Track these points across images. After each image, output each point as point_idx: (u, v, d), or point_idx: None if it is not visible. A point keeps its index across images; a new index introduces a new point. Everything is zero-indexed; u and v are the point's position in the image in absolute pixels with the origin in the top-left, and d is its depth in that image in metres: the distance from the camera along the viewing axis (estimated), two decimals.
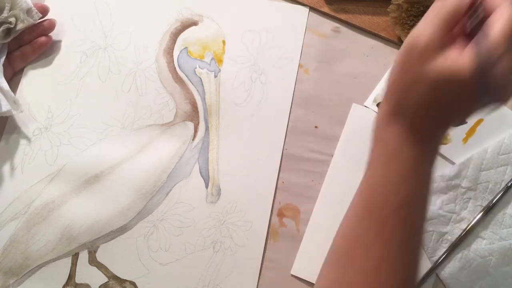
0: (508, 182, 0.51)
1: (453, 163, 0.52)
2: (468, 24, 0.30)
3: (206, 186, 0.51)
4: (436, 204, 0.50)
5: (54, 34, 0.55)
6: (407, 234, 0.34)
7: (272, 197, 0.51)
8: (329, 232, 0.51)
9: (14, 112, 0.50)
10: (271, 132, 0.53)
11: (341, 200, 0.51)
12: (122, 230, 0.50)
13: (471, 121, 0.53)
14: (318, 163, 0.52)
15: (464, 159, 0.52)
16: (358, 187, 0.38)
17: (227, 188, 0.51)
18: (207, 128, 0.53)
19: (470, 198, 0.51)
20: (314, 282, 0.49)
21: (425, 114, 0.33)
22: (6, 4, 0.50)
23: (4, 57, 0.52)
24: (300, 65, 0.56)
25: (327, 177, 0.52)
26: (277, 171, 0.52)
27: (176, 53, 0.56)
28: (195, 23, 0.57)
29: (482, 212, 0.50)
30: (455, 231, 0.50)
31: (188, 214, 0.51)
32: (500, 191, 0.51)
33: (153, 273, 0.49)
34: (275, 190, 0.52)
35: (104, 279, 0.49)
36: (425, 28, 0.30)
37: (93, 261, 0.49)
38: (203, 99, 0.54)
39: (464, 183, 0.51)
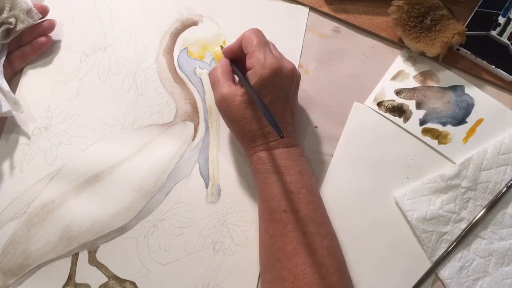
0: (508, 182, 0.51)
1: (453, 163, 0.52)
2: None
3: (206, 186, 0.51)
4: (436, 204, 0.50)
5: (54, 34, 0.55)
6: (307, 220, 0.44)
7: None
8: None
9: (14, 113, 0.50)
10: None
11: (341, 199, 0.51)
12: (122, 230, 0.50)
13: (471, 121, 0.53)
14: (318, 163, 0.52)
15: (464, 159, 0.52)
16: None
17: (227, 188, 0.51)
18: (207, 128, 0.53)
19: (470, 198, 0.51)
20: None
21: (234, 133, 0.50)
22: (6, 5, 0.50)
23: (4, 58, 0.52)
24: (300, 65, 0.56)
25: (327, 177, 0.52)
26: None
27: (176, 53, 0.56)
28: (195, 23, 0.57)
29: (482, 212, 0.50)
30: (455, 231, 0.50)
31: (188, 214, 0.51)
32: (500, 191, 0.51)
33: (153, 273, 0.49)
34: None
35: (104, 279, 0.49)
36: (222, 86, 0.47)
37: (93, 261, 0.49)
38: (203, 99, 0.54)
39: (464, 183, 0.51)
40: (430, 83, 0.55)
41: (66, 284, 0.48)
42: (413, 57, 0.56)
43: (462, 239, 0.50)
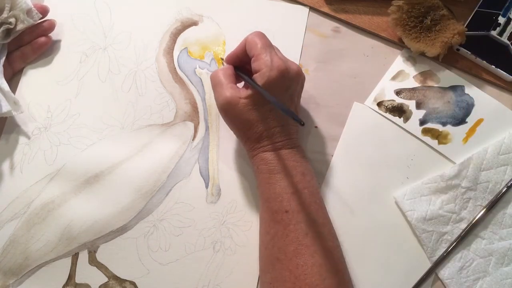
0: (508, 182, 0.51)
1: (453, 163, 0.52)
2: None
3: (206, 186, 0.51)
4: (436, 204, 0.50)
5: (54, 34, 0.55)
6: (309, 221, 0.44)
7: None
8: None
9: (14, 113, 0.50)
10: None
11: (341, 199, 0.51)
12: (122, 230, 0.50)
13: (471, 121, 0.53)
14: (318, 163, 0.52)
15: (464, 159, 0.52)
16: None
17: (227, 188, 0.51)
18: (207, 128, 0.53)
19: (470, 198, 0.51)
20: None
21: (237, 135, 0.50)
22: (6, 5, 0.50)
23: (4, 58, 0.52)
24: (300, 65, 0.56)
25: (328, 177, 0.52)
26: None
27: (176, 53, 0.56)
28: (195, 23, 0.57)
29: (482, 212, 0.50)
30: (455, 231, 0.50)
31: (188, 214, 0.51)
32: (500, 191, 0.51)
33: (153, 273, 0.49)
34: None
35: (104, 279, 0.49)
36: (225, 88, 0.46)
37: (93, 261, 0.49)
38: (203, 99, 0.54)
39: (464, 183, 0.51)
40: (430, 83, 0.55)
41: (66, 284, 0.48)
42: (413, 57, 0.56)
43: (462, 239, 0.50)
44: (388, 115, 0.54)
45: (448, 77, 0.55)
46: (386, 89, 0.55)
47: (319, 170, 0.52)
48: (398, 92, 0.55)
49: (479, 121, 0.53)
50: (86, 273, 0.49)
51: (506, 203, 0.51)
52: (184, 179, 0.51)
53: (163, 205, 0.51)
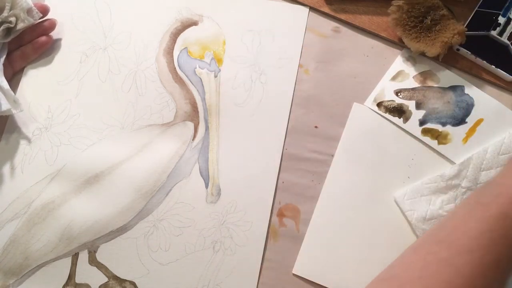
0: None
1: (453, 163, 0.52)
2: None
3: (206, 186, 0.51)
4: (436, 204, 0.50)
5: (54, 34, 0.55)
6: None
7: (272, 197, 0.51)
8: (330, 232, 0.51)
9: (14, 112, 0.50)
10: (271, 132, 0.53)
11: (342, 199, 0.51)
12: (122, 230, 0.50)
13: (471, 121, 0.53)
14: (318, 163, 0.52)
15: (464, 159, 0.52)
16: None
17: (227, 188, 0.51)
18: (207, 128, 0.53)
19: None
20: (315, 281, 0.49)
21: None
22: (7, 4, 0.50)
23: (4, 57, 0.52)
24: (300, 65, 0.56)
25: (328, 177, 0.52)
26: (277, 171, 0.52)
27: (176, 53, 0.56)
28: (195, 23, 0.57)
29: None
30: None
31: (188, 214, 0.51)
32: None
33: (153, 273, 0.49)
34: (275, 190, 0.52)
35: (104, 279, 0.49)
36: None
37: (93, 261, 0.49)
38: (203, 99, 0.54)
39: (464, 183, 0.51)
40: (430, 83, 0.55)
41: (66, 284, 0.49)
42: (413, 57, 0.56)
43: None
44: (388, 115, 0.54)
45: (448, 77, 0.55)
46: (386, 89, 0.55)
47: (319, 170, 0.52)
48: (398, 92, 0.54)
49: (479, 121, 0.53)
50: (86, 273, 0.49)
51: None
52: (184, 179, 0.51)
53: (163, 205, 0.51)
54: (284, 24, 0.57)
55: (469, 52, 0.54)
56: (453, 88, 0.55)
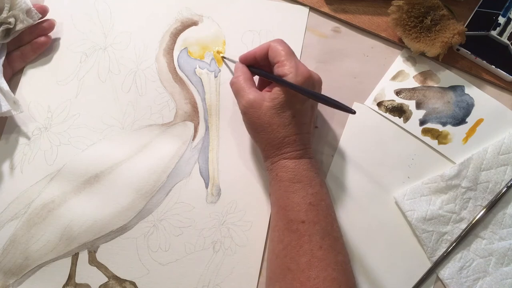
0: (508, 182, 0.51)
1: (453, 163, 0.52)
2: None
3: (206, 186, 0.51)
4: (436, 204, 0.50)
5: (53, 34, 0.55)
6: (323, 233, 0.44)
7: None
8: None
9: (14, 113, 0.50)
10: None
11: (342, 199, 0.51)
12: (122, 230, 0.50)
13: (471, 121, 0.53)
14: (318, 163, 0.52)
15: (464, 159, 0.52)
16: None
17: (227, 188, 0.51)
18: (207, 128, 0.53)
19: (470, 198, 0.51)
20: None
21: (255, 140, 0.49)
22: (6, 4, 0.50)
23: (3, 57, 0.52)
24: None
25: (328, 177, 0.52)
26: None
27: (176, 53, 0.56)
28: (195, 23, 0.57)
29: (482, 212, 0.50)
30: (455, 231, 0.50)
31: (188, 214, 0.51)
32: (500, 191, 0.51)
33: (153, 273, 0.49)
34: None
35: (104, 279, 0.49)
36: (249, 92, 0.46)
37: (93, 261, 0.49)
38: (203, 99, 0.54)
39: (464, 183, 0.51)
40: (430, 83, 0.55)
41: (66, 284, 0.48)
42: (413, 57, 0.56)
43: (462, 239, 0.50)
44: (388, 115, 0.54)
45: (448, 77, 0.55)
46: (386, 89, 0.55)
47: (320, 170, 0.52)
48: (398, 92, 0.55)
49: (479, 121, 0.53)
50: (86, 273, 0.49)
51: (506, 203, 0.51)
52: (184, 179, 0.51)
53: (163, 205, 0.51)
54: (284, 24, 0.57)
55: (469, 52, 0.54)
56: (453, 88, 0.55)
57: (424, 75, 0.55)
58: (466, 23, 0.55)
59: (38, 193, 0.50)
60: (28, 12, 0.52)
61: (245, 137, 0.53)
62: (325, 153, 0.53)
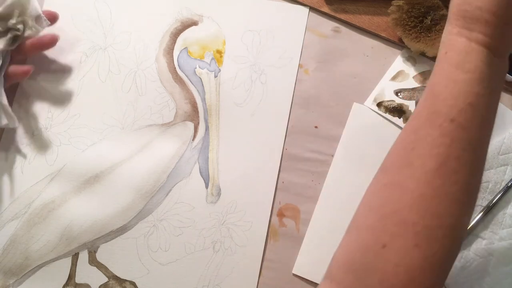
0: (508, 182, 0.51)
1: None
2: None
3: (206, 186, 0.52)
4: None
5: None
6: (466, 145, 0.34)
7: (272, 197, 0.51)
8: (330, 232, 0.51)
9: (11, 126, 0.49)
10: (271, 132, 0.53)
11: (342, 200, 0.51)
12: (122, 230, 0.50)
13: None
14: (318, 163, 0.52)
15: None
16: (422, 96, 0.37)
17: (227, 188, 0.51)
18: (207, 128, 0.53)
19: None
20: (315, 281, 0.49)
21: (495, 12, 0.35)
22: (15, 10, 0.48)
23: (6, 65, 0.50)
24: (300, 65, 0.56)
25: (328, 177, 0.52)
26: (277, 171, 0.52)
27: (176, 53, 0.56)
28: (195, 23, 0.57)
29: (482, 212, 0.50)
30: None
31: (188, 214, 0.51)
32: (500, 191, 0.51)
33: (153, 273, 0.49)
34: (275, 190, 0.52)
35: (104, 279, 0.49)
36: None
37: (93, 261, 0.49)
38: (203, 99, 0.54)
39: None
40: None
41: (66, 284, 0.49)
42: (413, 57, 0.56)
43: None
44: (388, 115, 0.54)
45: None
46: (386, 89, 0.55)
47: (319, 170, 0.52)
48: (398, 92, 0.55)
49: None
50: (86, 273, 0.49)
51: (506, 203, 0.51)
52: (184, 179, 0.51)
53: (163, 205, 0.51)
54: (284, 24, 0.57)
55: None
56: None
57: (424, 75, 0.55)
58: None
59: (38, 193, 0.50)
60: (37, 18, 0.50)
61: (245, 137, 0.53)
62: (324, 153, 0.53)
